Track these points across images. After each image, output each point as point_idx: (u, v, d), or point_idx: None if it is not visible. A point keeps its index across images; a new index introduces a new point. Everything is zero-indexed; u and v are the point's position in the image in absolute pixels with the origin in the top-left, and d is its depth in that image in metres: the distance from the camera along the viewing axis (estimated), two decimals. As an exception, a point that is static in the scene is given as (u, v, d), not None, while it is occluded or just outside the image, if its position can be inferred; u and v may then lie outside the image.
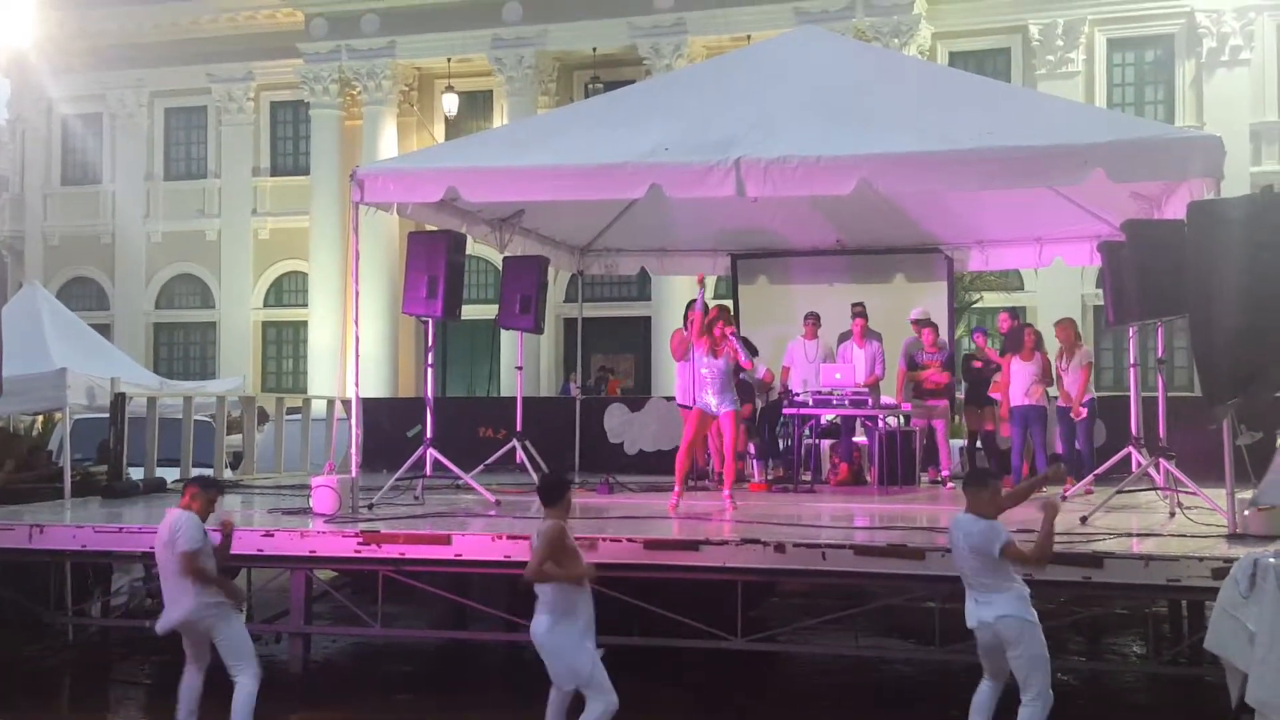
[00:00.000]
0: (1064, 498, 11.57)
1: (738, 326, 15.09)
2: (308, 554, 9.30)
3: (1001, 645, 6.88)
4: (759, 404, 13.70)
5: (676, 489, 10.96)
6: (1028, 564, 6.98)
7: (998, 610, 6.82)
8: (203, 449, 14.00)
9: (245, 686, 7.74)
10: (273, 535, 9.34)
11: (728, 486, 11.10)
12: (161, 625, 7.83)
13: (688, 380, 13.10)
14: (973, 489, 7.12)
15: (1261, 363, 8.14)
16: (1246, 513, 8.61)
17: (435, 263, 10.94)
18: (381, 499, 10.79)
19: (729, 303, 15.03)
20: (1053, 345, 13.05)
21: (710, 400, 11.02)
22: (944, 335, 14.24)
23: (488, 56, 27.68)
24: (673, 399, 14.66)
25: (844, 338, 14.07)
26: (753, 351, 13.77)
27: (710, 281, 23.85)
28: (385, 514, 10.21)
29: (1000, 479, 7.41)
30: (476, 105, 29.22)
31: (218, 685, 7.85)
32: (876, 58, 14.29)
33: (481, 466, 12.23)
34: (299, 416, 15.93)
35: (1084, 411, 12.66)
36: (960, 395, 14.51)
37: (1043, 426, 12.72)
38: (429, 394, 11.68)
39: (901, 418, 13.36)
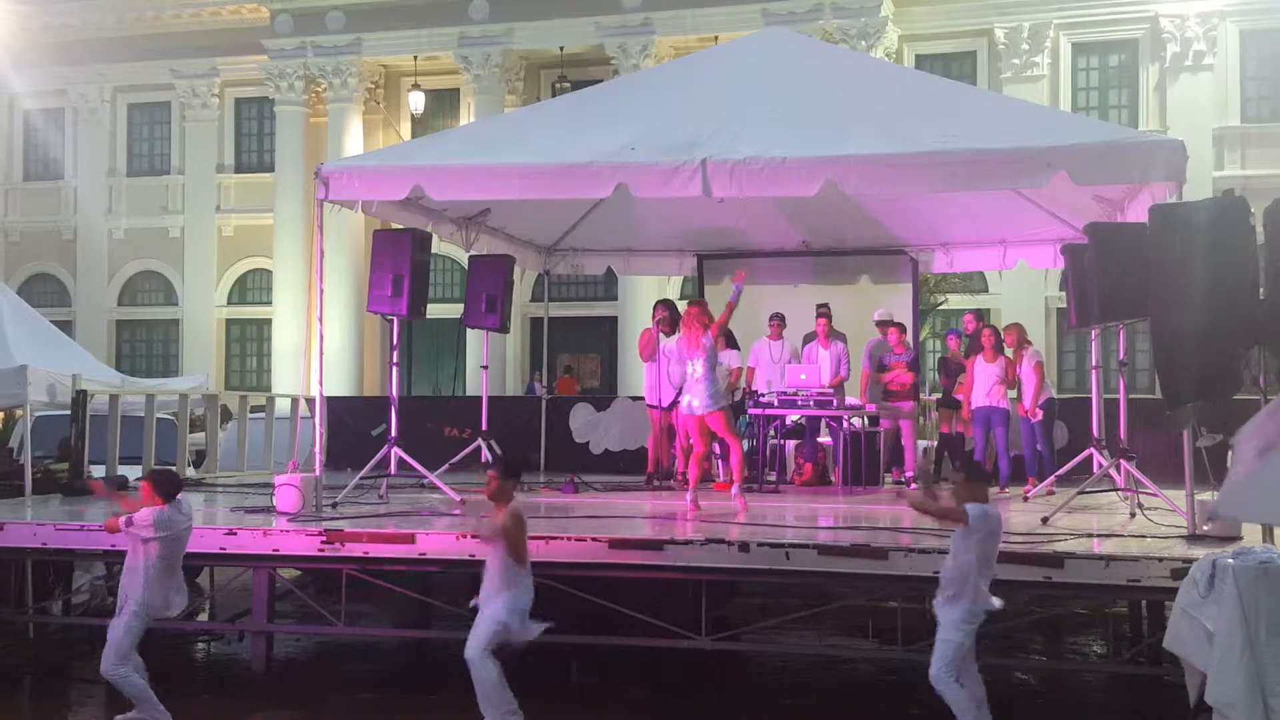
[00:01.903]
0: (1026, 498, 11.70)
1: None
2: (271, 552, 9.27)
3: None
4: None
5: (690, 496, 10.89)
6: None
7: None
8: (165, 447, 13.91)
9: None
10: (235, 534, 9.30)
11: (738, 482, 11.08)
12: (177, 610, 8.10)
13: (655, 379, 13.13)
14: (983, 482, 7.42)
15: (1221, 365, 8.22)
16: (1206, 527, 8.68)
17: (400, 261, 10.90)
18: (345, 498, 10.75)
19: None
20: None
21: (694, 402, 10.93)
22: (909, 336, 14.30)
23: (454, 55, 27.61)
24: (638, 399, 14.67)
25: (809, 338, 14.12)
26: (732, 344, 13.85)
27: (677, 281, 24.05)
28: (349, 513, 10.18)
29: (966, 472, 7.60)
30: (443, 103, 29.13)
31: (168, 685, 7.80)
32: (843, 60, 14.34)
33: (446, 465, 12.20)
34: (263, 415, 15.86)
35: (1040, 413, 12.75)
36: (930, 396, 14.59)
37: (1005, 427, 12.81)
38: (394, 393, 11.64)
39: (865, 418, 13.41)
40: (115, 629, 7.93)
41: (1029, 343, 13.32)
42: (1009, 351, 13.09)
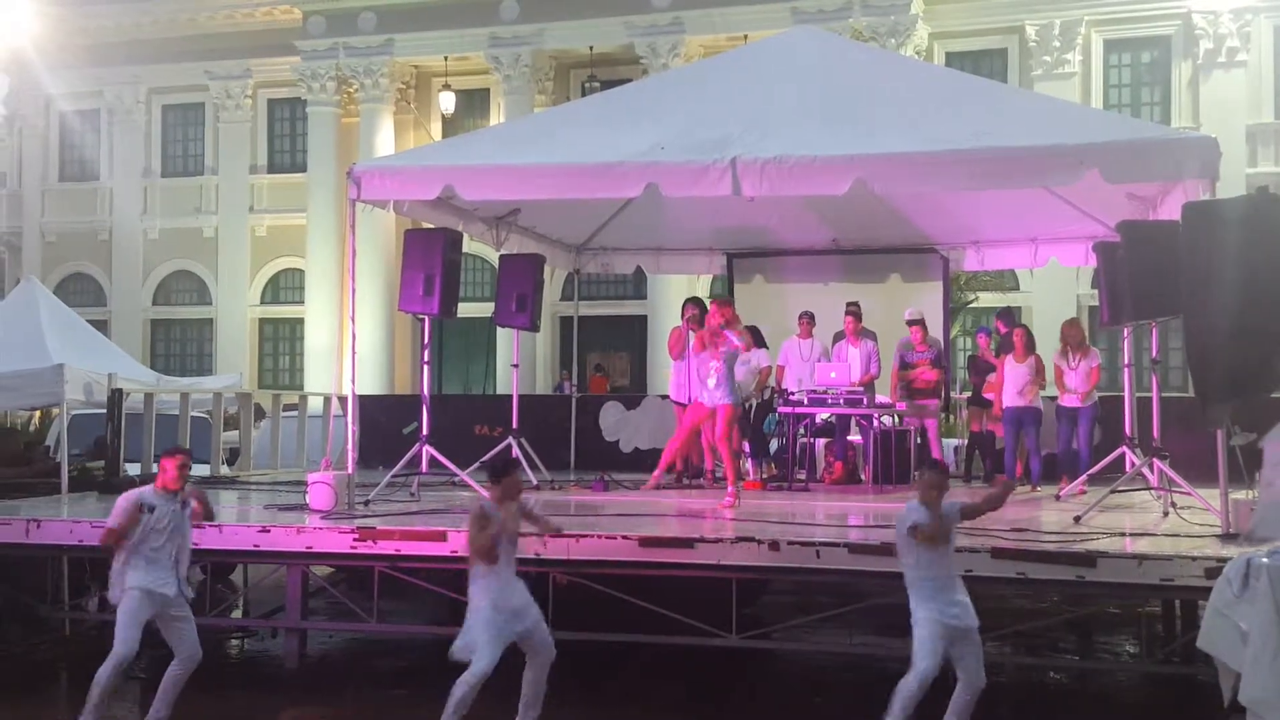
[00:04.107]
0: (1058, 498, 11.64)
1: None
2: (304, 550, 9.33)
3: None
4: (753, 403, 13.71)
5: (656, 472, 11.01)
6: (930, 541, 7.12)
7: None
8: (199, 445, 13.99)
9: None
10: (269, 531, 9.37)
11: (730, 481, 11.12)
12: None
13: (683, 377, 13.14)
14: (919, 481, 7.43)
15: (1255, 363, 8.17)
16: (1243, 551, 8.58)
17: (432, 260, 10.95)
18: (378, 495, 10.81)
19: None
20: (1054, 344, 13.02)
21: (714, 393, 11.04)
22: (937, 334, 14.25)
23: (485, 55, 27.71)
24: (668, 397, 14.69)
25: (839, 337, 14.09)
26: (759, 342, 13.89)
27: (706, 280, 24.07)
28: (381, 510, 10.23)
29: (937, 470, 7.50)
30: (473, 103, 29.24)
31: (202, 681, 7.87)
32: (873, 58, 14.30)
33: (478, 464, 12.22)
34: (295, 413, 15.95)
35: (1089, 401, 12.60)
36: (960, 395, 14.51)
37: (1036, 427, 12.74)
38: (425, 391, 11.70)
39: (896, 417, 13.38)
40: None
41: (1088, 344, 13.11)
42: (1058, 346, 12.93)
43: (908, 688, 6.87)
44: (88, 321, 17.00)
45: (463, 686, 7.07)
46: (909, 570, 7.15)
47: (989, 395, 13.40)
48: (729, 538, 8.69)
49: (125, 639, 7.68)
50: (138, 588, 7.72)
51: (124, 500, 7.80)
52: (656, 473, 11.05)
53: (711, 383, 11.04)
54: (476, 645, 7.14)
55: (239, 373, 24.36)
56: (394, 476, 11.26)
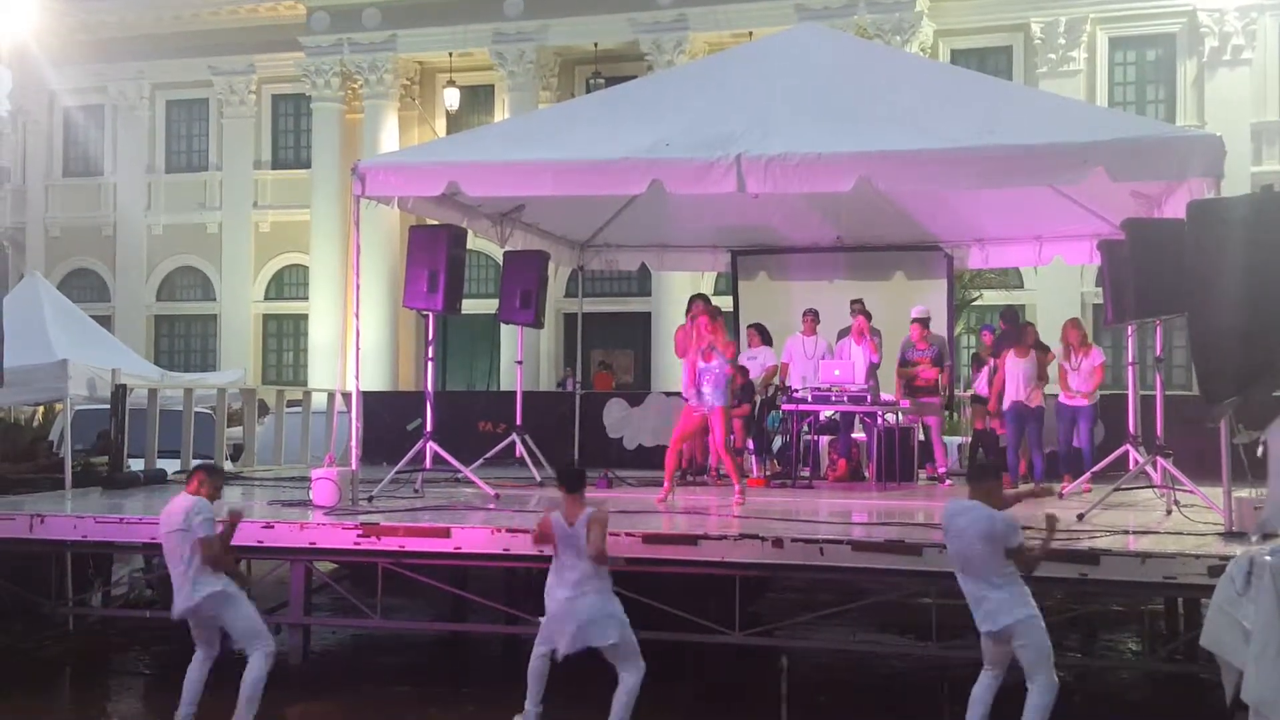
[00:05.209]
0: (1061, 495, 11.63)
1: (737, 322, 15.17)
2: (307, 546, 9.34)
3: (1009, 640, 6.95)
4: (758, 400, 13.71)
5: (666, 484, 11.00)
6: (1023, 567, 7.04)
7: (1014, 614, 6.91)
8: (203, 441, 14.03)
9: (255, 665, 7.77)
10: (273, 527, 9.38)
11: (735, 481, 11.09)
12: (175, 612, 7.90)
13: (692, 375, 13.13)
14: (978, 480, 7.24)
15: (1260, 362, 8.16)
16: (1255, 539, 8.56)
17: (436, 257, 10.97)
18: (381, 492, 10.83)
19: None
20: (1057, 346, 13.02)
21: (705, 393, 11.02)
22: (941, 332, 14.23)
23: (489, 51, 27.71)
24: (673, 394, 14.69)
25: (843, 334, 14.08)
26: (765, 340, 13.85)
27: (710, 277, 24.07)
28: (385, 506, 10.25)
29: (999, 471, 7.46)
30: (478, 100, 29.24)
31: (222, 678, 7.89)
32: (878, 55, 14.29)
33: (481, 460, 12.25)
34: (299, 409, 15.97)
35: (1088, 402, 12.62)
36: (964, 393, 14.51)
37: (1039, 423, 12.73)
38: (429, 387, 11.71)
39: (900, 414, 13.37)
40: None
41: (1090, 344, 13.13)
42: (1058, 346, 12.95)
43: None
44: (91, 317, 17.02)
45: (633, 695, 7.58)
46: (1005, 573, 6.98)
47: (979, 391, 13.42)
48: (733, 535, 8.70)
49: (265, 631, 7.90)
50: (226, 589, 7.79)
51: (204, 511, 7.78)
52: (665, 486, 11.02)
53: (707, 389, 10.98)
54: (634, 649, 7.62)
55: (243, 368, 24.38)
56: (398, 473, 11.27)
